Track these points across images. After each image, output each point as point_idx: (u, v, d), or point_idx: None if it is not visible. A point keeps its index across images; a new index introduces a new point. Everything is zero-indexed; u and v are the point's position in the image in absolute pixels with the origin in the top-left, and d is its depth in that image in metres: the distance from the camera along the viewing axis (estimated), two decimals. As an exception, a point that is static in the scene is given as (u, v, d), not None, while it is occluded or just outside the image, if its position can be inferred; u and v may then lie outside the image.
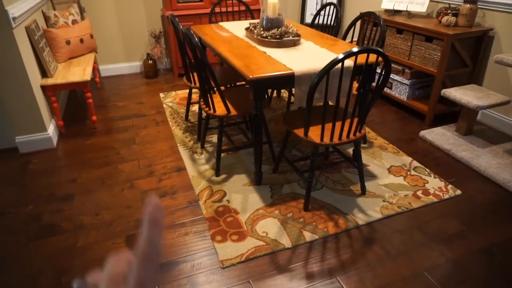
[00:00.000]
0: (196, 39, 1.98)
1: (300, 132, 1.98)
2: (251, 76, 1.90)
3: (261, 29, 2.52)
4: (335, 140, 1.92)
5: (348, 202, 2.16)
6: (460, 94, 2.67)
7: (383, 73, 1.77)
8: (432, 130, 2.90)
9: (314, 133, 1.97)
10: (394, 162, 2.55)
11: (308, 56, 2.20)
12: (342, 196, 2.21)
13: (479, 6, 2.91)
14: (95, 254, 1.82)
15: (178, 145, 2.80)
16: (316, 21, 4.26)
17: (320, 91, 2.01)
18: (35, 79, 2.69)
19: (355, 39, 4.00)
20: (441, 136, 2.80)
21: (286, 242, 1.87)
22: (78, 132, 3.03)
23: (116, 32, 4.20)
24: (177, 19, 2.29)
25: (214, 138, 2.88)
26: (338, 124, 2.07)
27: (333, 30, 2.98)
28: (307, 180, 2.03)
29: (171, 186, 2.33)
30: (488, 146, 2.66)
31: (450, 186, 2.29)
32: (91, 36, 3.52)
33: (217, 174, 2.42)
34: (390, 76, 3.33)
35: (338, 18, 2.93)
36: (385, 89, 3.43)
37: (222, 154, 2.65)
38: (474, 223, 2.00)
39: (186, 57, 2.48)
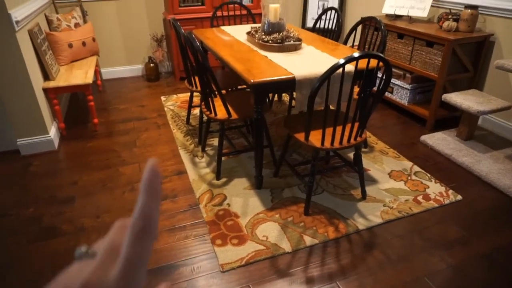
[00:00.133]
0: (198, 43, 1.99)
1: (301, 136, 1.98)
2: (252, 80, 1.91)
3: (263, 33, 2.53)
4: (336, 144, 1.92)
5: (349, 206, 2.16)
6: (461, 99, 2.67)
7: (384, 78, 1.77)
8: (433, 135, 2.90)
9: (315, 138, 1.97)
10: (394, 166, 2.55)
11: (309, 61, 2.21)
12: (343, 200, 2.21)
13: (480, 12, 2.92)
14: (95, 257, 1.82)
15: (179, 148, 2.80)
16: (317, 26, 4.27)
17: (321, 96, 2.01)
18: (37, 82, 2.71)
19: (356, 43, 4.01)
20: (442, 141, 2.80)
21: (286, 246, 1.87)
22: (79, 134, 3.04)
23: (118, 35, 4.22)
24: (179, 23, 2.30)
25: (215, 141, 2.89)
26: (339, 129, 2.08)
27: (334, 34, 2.99)
28: (308, 184, 2.03)
29: (171, 189, 2.34)
30: (489, 152, 2.66)
31: (451, 191, 2.28)
32: (93, 40, 3.54)
33: (218, 178, 2.42)
34: (391, 81, 3.33)
35: (339, 23, 2.94)
36: (386, 93, 3.43)
37: (223, 158, 2.65)
38: (475, 229, 2.00)
39: (188, 60, 2.48)
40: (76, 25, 3.51)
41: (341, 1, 4.54)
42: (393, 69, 3.33)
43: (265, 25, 2.53)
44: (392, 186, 2.34)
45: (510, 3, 2.69)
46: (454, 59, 2.87)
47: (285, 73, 2.01)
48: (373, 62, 1.85)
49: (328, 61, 2.20)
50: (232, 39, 2.76)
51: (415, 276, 1.71)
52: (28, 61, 2.55)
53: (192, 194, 2.29)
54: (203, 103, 2.34)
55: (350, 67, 2.00)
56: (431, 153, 2.72)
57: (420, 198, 2.23)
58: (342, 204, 2.17)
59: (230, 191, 2.30)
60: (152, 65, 4.20)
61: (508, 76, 2.81)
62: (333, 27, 3.08)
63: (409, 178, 2.42)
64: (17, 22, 2.40)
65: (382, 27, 2.49)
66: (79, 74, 3.01)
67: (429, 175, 2.45)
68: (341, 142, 1.92)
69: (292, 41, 2.44)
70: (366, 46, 3.45)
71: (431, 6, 3.26)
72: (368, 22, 2.77)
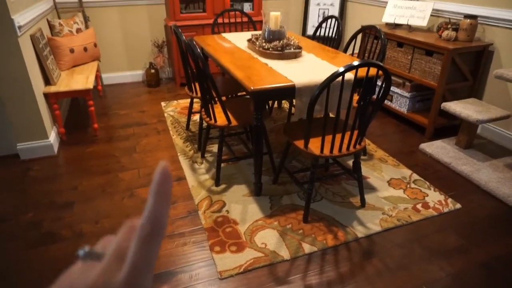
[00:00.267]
0: (199, 49, 2.00)
1: (300, 143, 1.99)
2: (252, 88, 1.92)
3: (263, 41, 2.54)
4: (335, 152, 1.92)
5: (348, 214, 2.16)
6: (460, 107, 2.68)
7: (383, 86, 1.78)
8: (432, 143, 2.91)
9: (314, 145, 1.98)
10: (394, 174, 2.55)
11: (309, 69, 2.22)
12: (342, 208, 2.21)
13: (479, 22, 2.94)
14: (94, 263, 1.82)
15: (179, 154, 2.81)
16: (317, 34, 4.30)
17: (321, 103, 2.02)
18: (38, 87, 2.72)
19: (356, 51, 4.04)
20: (441, 149, 2.81)
21: (285, 253, 1.87)
22: (79, 139, 3.04)
23: (119, 41, 4.24)
24: (180, 30, 2.32)
25: (214, 148, 2.89)
26: (338, 136, 2.08)
27: (334, 42, 3.01)
28: (307, 192, 2.04)
29: (171, 195, 2.33)
30: (488, 160, 2.66)
31: (450, 200, 2.29)
32: (95, 45, 3.56)
33: (217, 184, 2.42)
34: (391, 89, 3.35)
35: (340, 31, 2.96)
36: (386, 101, 3.45)
37: (222, 164, 2.65)
38: (474, 237, 2.00)
39: (188, 67, 2.50)
40: (78, 30, 3.53)
41: (341, 10, 4.58)
42: (393, 77, 3.35)
43: (266, 33, 2.54)
44: (391, 194, 2.34)
45: (509, 13, 2.71)
46: (454, 68, 2.89)
47: (285, 80, 2.02)
48: (373, 71, 1.87)
49: (328, 69, 2.21)
50: (233, 46, 2.78)
51: (414, 284, 1.70)
52: (29, 65, 2.57)
53: (191, 200, 2.29)
54: (203, 109, 2.35)
55: (349, 75, 2.01)
56: (430, 161, 2.73)
57: (419, 206, 2.23)
58: (341, 212, 2.17)
59: (229, 198, 2.29)
60: (153, 71, 4.22)
61: (507, 85, 2.83)
62: (333, 35, 3.10)
63: (408, 186, 2.42)
64: (19, 27, 2.42)
65: (382, 36, 2.51)
66: (80, 79, 3.02)
67: (428, 183, 2.45)
68: (340, 149, 1.93)
69: (292, 49, 2.46)
70: (366, 55, 3.47)
71: (431, 15, 3.29)
72: (368, 31, 2.79)
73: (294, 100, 2.08)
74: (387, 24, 3.52)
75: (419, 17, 3.21)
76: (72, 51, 3.28)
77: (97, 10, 4.01)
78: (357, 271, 1.78)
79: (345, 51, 2.84)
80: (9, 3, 2.34)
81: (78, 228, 2.06)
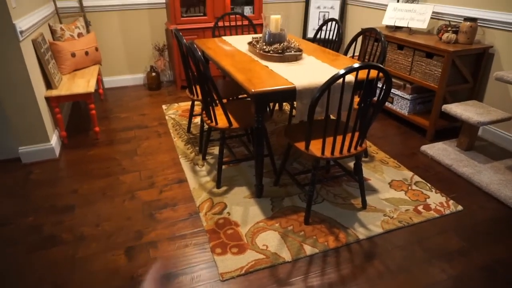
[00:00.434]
0: (199, 52, 2.01)
1: (301, 145, 1.99)
2: (253, 90, 1.93)
3: (264, 43, 2.55)
4: (336, 154, 1.92)
5: (349, 216, 2.15)
6: (461, 109, 2.68)
7: (384, 88, 1.79)
8: (433, 145, 2.91)
9: (315, 147, 1.98)
10: (395, 176, 2.55)
11: (310, 71, 2.23)
12: (343, 210, 2.21)
13: (479, 24, 2.95)
14: (95, 266, 1.82)
15: (180, 156, 2.81)
16: (318, 36, 4.31)
17: (321, 105, 2.03)
18: (40, 91, 2.73)
19: (357, 54, 4.05)
20: (442, 151, 2.81)
21: (286, 255, 1.87)
22: (80, 143, 3.05)
23: (120, 44, 4.26)
24: (180, 33, 2.33)
25: (215, 150, 2.89)
26: (339, 138, 2.09)
27: (334, 45, 3.01)
28: (308, 194, 2.04)
29: (172, 197, 2.34)
30: (490, 162, 2.66)
31: (451, 202, 2.28)
32: (96, 49, 3.57)
33: (218, 186, 2.42)
34: (392, 91, 3.36)
35: (340, 34, 2.97)
36: (387, 103, 3.45)
37: (223, 166, 2.66)
38: (475, 240, 1.99)
39: (189, 70, 2.51)
40: (79, 34, 3.55)
41: (341, 13, 4.59)
42: (394, 80, 3.35)
43: (266, 36, 2.55)
44: (393, 196, 2.34)
45: (509, 16, 2.72)
46: (454, 70, 2.89)
47: (285, 83, 2.03)
48: (373, 73, 1.87)
49: (328, 71, 2.22)
50: (234, 49, 2.79)
51: (415, 286, 1.70)
52: (31, 70, 2.58)
53: (192, 202, 2.29)
54: (204, 112, 2.36)
55: (350, 78, 2.02)
56: (431, 163, 2.73)
57: (420, 208, 2.23)
58: (343, 214, 2.17)
59: (230, 200, 2.30)
60: (153, 74, 4.23)
61: (508, 87, 2.83)
62: (334, 38, 3.11)
63: (409, 188, 2.42)
64: (21, 32, 2.43)
65: (382, 38, 2.52)
66: (81, 83, 3.04)
67: (429, 185, 2.45)
68: (341, 151, 1.93)
69: (293, 52, 2.47)
70: (366, 57, 3.48)
71: (431, 18, 3.30)
72: (368, 33, 2.80)
73: (295, 103, 2.08)
74: (387, 27, 3.53)
75: (419, 20, 3.23)
76: (73, 55, 3.30)
77: (98, 15, 4.03)
78: (358, 273, 1.77)
79: (345, 53, 2.85)
80: (11, 9, 2.36)
81: (78, 231, 2.06)
